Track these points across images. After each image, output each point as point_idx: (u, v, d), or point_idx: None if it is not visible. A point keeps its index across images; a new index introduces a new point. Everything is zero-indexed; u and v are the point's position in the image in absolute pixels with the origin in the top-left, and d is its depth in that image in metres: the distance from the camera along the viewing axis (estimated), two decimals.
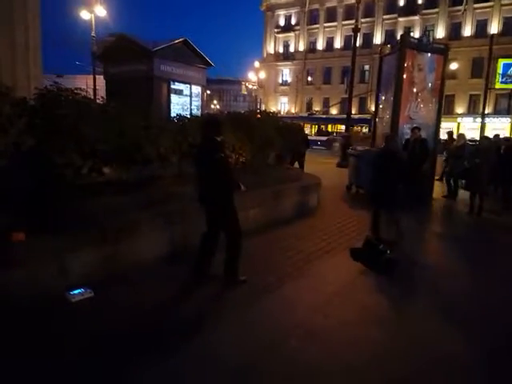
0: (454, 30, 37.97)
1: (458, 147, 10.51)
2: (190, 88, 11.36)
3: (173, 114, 9.03)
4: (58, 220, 3.66)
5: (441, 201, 10.01)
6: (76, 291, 3.57)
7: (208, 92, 52.57)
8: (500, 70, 17.39)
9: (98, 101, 5.48)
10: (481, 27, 36.62)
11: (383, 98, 10.32)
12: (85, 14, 19.56)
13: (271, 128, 7.50)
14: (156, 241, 4.55)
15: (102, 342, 2.98)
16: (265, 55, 50.24)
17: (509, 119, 32.66)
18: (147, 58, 10.01)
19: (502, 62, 17.83)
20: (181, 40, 10.79)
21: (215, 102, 67.04)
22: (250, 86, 47.74)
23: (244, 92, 54.43)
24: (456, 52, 27.06)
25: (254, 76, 45.97)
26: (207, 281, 4.10)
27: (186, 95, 11.39)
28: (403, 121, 9.40)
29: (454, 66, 28.74)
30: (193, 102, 11.74)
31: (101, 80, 12.12)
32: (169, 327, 3.24)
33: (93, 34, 19.70)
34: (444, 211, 9.34)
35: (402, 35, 9.54)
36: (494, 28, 35.32)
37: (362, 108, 39.74)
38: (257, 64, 46.03)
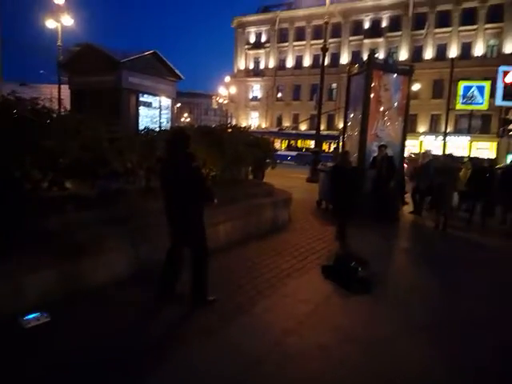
0: (416, 53, 39.84)
1: (424, 165, 10.86)
2: (160, 101, 11.14)
3: (141, 127, 8.80)
4: (15, 237, 3.39)
5: (407, 217, 10.24)
6: (31, 316, 3.29)
7: (179, 105, 52.25)
8: (460, 92, 18.29)
9: (62, 112, 5.23)
10: (441, 51, 38.67)
11: (351, 115, 10.53)
12: (51, 23, 19.01)
13: (242, 143, 7.44)
14: (120, 259, 4.31)
15: (56, 374, 2.73)
16: (236, 71, 50.70)
17: (468, 137, 34.50)
18: (115, 69, 9.73)
19: (462, 84, 18.82)
20: (150, 52, 10.60)
21: (186, 115, 66.70)
22: (221, 101, 47.84)
23: (215, 106, 54.48)
24: (418, 73, 28.35)
25: (225, 90, 46.18)
26: (174, 301, 3.89)
27: (156, 108, 11.16)
28: (371, 138, 9.61)
29: (416, 86, 30.06)
30: (162, 115, 11.51)
31: (67, 90, 11.70)
32: (132, 354, 3.02)
33: (59, 42, 19.14)
34: (410, 227, 9.53)
35: (368, 56, 9.82)
36: (453, 52, 37.42)
37: (330, 125, 40.71)
38: (228, 79, 46.35)
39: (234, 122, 45.61)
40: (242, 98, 49.63)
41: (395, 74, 9.80)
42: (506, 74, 17.12)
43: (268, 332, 3.51)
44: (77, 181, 4.54)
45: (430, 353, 3.41)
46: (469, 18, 37.19)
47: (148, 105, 10.99)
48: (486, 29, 36.76)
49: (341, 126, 39.48)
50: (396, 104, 9.88)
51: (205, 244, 3.92)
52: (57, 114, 4.99)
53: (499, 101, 17.31)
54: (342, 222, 6.85)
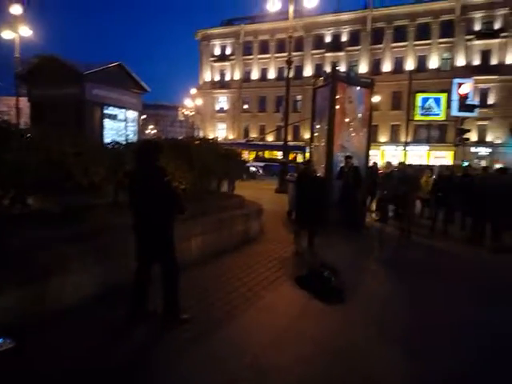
0: (376, 66, 41.54)
1: (387, 174, 11.24)
2: (126, 113, 10.93)
3: (106, 140, 8.58)
4: None
5: (374, 225, 10.50)
6: None
7: (144, 117, 51.47)
8: (419, 104, 19.19)
9: (22, 125, 5.00)
10: (398, 64, 40.57)
11: (318, 126, 10.76)
12: (8, 34, 18.28)
13: (212, 155, 7.40)
14: (87, 279, 4.12)
15: None
16: (201, 82, 50.72)
17: (427, 147, 36.15)
18: (78, 81, 9.47)
19: (420, 96, 19.77)
20: (115, 64, 10.41)
21: (151, 126, 65.76)
22: (187, 112, 47.59)
23: (181, 118, 54.11)
24: (378, 86, 29.49)
25: (191, 102, 46.01)
26: (146, 321, 3.75)
27: (121, 120, 10.93)
28: (337, 149, 9.84)
29: (376, 98, 31.24)
30: (128, 128, 11.29)
31: (27, 103, 11.22)
32: (103, 377, 2.87)
33: (17, 54, 18.42)
34: (377, 235, 9.73)
35: (332, 70, 10.11)
36: (410, 65, 39.32)
37: (296, 135, 41.39)
38: (193, 91, 46.24)
39: (200, 134, 45.56)
40: (209, 110, 49.66)
41: (358, 87, 10.14)
42: (460, 85, 18.16)
43: (245, 348, 3.44)
44: (40, 197, 4.33)
45: (404, 361, 3.47)
46: (423, 33, 39.39)
47: (113, 117, 10.76)
48: (440, 43, 39.00)
49: (306, 136, 40.49)
50: (360, 115, 10.21)
51: (175, 258, 3.82)
52: (16, 127, 4.78)
53: (455, 111, 18.32)
54: (311, 230, 6.98)
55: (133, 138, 10.87)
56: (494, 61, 36.98)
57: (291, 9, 14.37)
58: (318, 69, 43.36)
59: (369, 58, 42.00)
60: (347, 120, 9.99)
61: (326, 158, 9.72)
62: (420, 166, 19.90)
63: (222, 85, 49.72)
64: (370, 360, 3.41)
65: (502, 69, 36.21)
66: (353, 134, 10.13)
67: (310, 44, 44.22)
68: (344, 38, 43.21)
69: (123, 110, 11.04)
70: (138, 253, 3.77)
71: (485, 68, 36.65)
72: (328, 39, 43.88)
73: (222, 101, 50.44)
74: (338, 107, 9.64)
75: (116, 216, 4.78)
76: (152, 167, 3.66)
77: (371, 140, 10.99)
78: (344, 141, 9.97)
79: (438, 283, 5.83)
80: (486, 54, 37.35)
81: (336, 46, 43.30)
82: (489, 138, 36.99)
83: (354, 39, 42.61)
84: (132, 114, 11.45)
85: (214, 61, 50.21)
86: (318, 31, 43.97)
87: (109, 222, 4.70)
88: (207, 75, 50.51)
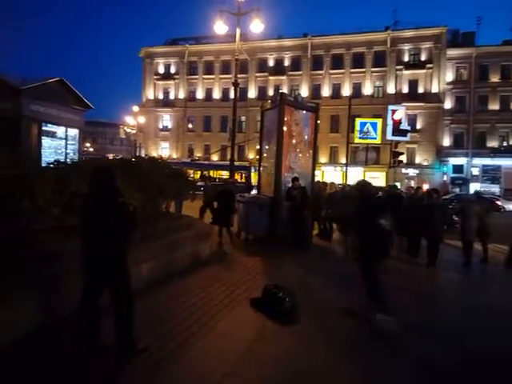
0: (316, 91, 43.66)
1: (331, 194, 11.69)
2: (66, 131, 10.39)
3: (45, 159, 8.08)
4: None
5: (320, 243, 10.80)
6: None
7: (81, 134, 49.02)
8: (358, 128, 20.44)
9: None
10: (336, 90, 43.02)
11: (266, 147, 10.99)
12: None
13: (162, 175, 7.23)
14: (29, 310, 3.78)
15: None
16: (144, 100, 49.77)
17: (363, 168, 38.27)
18: (14, 96, 8.88)
19: (358, 120, 21.04)
20: (56, 79, 9.93)
21: (88, 144, 62.80)
22: (129, 130, 46.22)
23: (122, 136, 52.40)
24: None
25: (133, 120, 44.84)
26: (97, 354, 3.51)
27: (61, 138, 10.37)
28: (285, 170, 10.09)
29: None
30: (68, 146, 10.73)
31: None
32: None
33: None
34: (324, 253, 9.99)
35: (281, 93, 10.46)
36: (347, 91, 41.83)
37: (241, 155, 41.82)
38: (136, 108, 45.17)
39: (143, 153, 44.39)
40: (152, 128, 48.73)
41: (304, 111, 10.57)
42: (394, 112, 19.60)
43: (205, 378, 3.34)
44: None
45: (365, 374, 3.57)
46: (358, 61, 42.30)
47: (52, 135, 10.17)
48: (373, 72, 42.05)
49: (251, 156, 41.13)
50: (306, 137, 10.60)
51: (129, 285, 3.65)
52: None
53: (389, 135, 19.68)
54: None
55: (73, 156, 10.34)
56: (420, 89, 40.57)
57: (238, 32, 14.72)
58: (262, 91, 44.71)
59: (309, 83, 44.04)
60: (294, 142, 10.32)
61: (275, 179, 9.91)
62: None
63: (166, 103, 49.18)
64: (330, 378, 3.46)
65: (427, 97, 39.83)
66: (300, 155, 10.47)
67: (254, 67, 45.42)
68: (286, 63, 45.02)
69: (63, 128, 10.50)
70: (88, 279, 3.54)
71: (413, 96, 40.06)
72: (271, 63, 45.43)
73: (166, 119, 49.81)
74: (285, 129, 9.94)
75: (61, 241, 4.47)
76: (108, 189, 3.50)
77: None
78: (291, 162, 10.26)
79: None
80: (413, 83, 40.90)
81: (279, 70, 44.92)
82: (417, 160, 40.21)
83: (296, 64, 44.57)
84: (73, 132, 10.92)
85: (158, 79, 49.67)
86: (261, 55, 45.38)
87: (54, 248, 4.37)
88: (150, 93, 49.73)
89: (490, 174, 39.53)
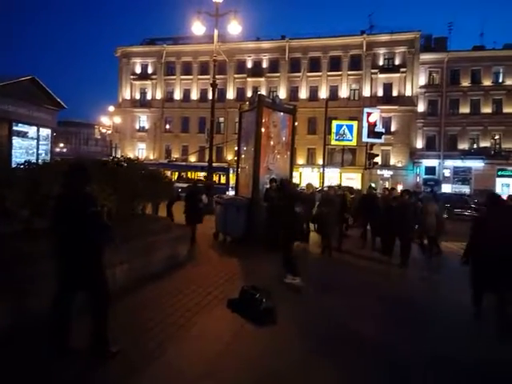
0: (293, 93, 44.00)
1: (309, 195, 11.80)
2: (38, 130, 10.10)
3: (15, 160, 7.83)
4: None
5: (296, 244, 10.83)
6: None
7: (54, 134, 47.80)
8: (334, 130, 20.77)
9: None
10: (313, 92, 43.49)
11: (244, 149, 11.01)
12: None
13: (138, 176, 7.14)
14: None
15: None
16: (120, 100, 48.93)
17: (339, 169, 38.87)
18: None
19: (334, 123, 21.38)
20: (28, 78, 9.63)
21: (61, 145, 61.23)
22: (104, 131, 45.31)
23: (97, 136, 51.32)
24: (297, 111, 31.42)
25: (109, 120, 44.01)
26: (70, 357, 3.43)
27: (33, 138, 10.07)
28: (263, 171, 10.14)
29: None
30: (40, 146, 10.43)
31: None
32: None
33: None
34: (301, 254, 10.06)
35: (259, 95, 10.52)
36: (324, 93, 42.35)
37: (219, 157, 41.68)
38: (112, 108, 44.37)
39: (119, 153, 43.59)
40: (128, 129, 47.94)
41: (282, 113, 10.65)
42: (369, 114, 20.06)
43: (180, 380, 3.32)
44: None
45: (342, 372, 3.63)
46: (335, 65, 42.89)
47: (23, 135, 9.86)
48: (349, 75, 42.73)
49: (229, 157, 41.03)
50: (284, 139, 10.69)
51: (106, 286, 3.60)
52: None
53: (365, 138, 20.13)
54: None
55: (45, 157, 10.06)
56: (395, 93, 41.49)
57: (216, 34, 14.71)
58: (240, 92, 44.76)
59: (287, 85, 44.36)
60: (272, 143, 10.38)
61: (253, 180, 9.95)
62: (340, 187, 21.46)
63: (143, 103, 48.51)
64: (306, 379, 3.50)
65: (401, 100, 40.79)
66: (278, 157, 10.54)
67: (232, 68, 45.39)
68: (264, 65, 45.19)
69: (35, 127, 10.20)
70: (62, 281, 3.47)
71: (387, 99, 40.94)
72: (249, 65, 45.50)
73: (143, 120, 49.10)
74: (263, 131, 9.99)
75: (31, 244, 4.35)
76: (80, 193, 3.43)
77: None
78: (269, 163, 10.32)
79: (359, 301, 6.21)
80: (388, 87, 41.79)
81: (257, 71, 45.05)
82: (392, 162, 41.14)
83: (274, 66, 44.79)
84: (45, 132, 10.63)
85: (135, 79, 48.92)
86: (240, 57, 45.40)
87: (24, 250, 4.25)
88: (127, 93, 48.93)
89: (461, 176, 40.84)
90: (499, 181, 39.05)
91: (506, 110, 39.36)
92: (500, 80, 39.80)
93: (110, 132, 45.52)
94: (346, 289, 6.73)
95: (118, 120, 44.24)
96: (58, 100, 10.73)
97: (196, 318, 4.72)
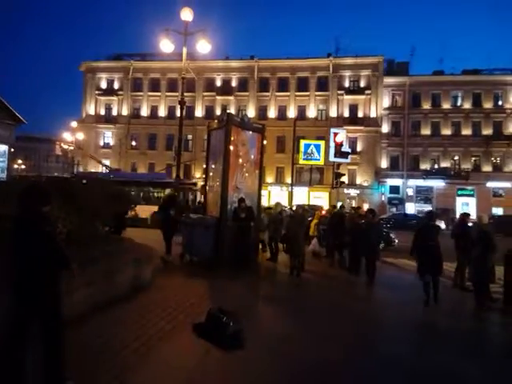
0: (262, 112, 44.59)
1: (277, 214, 11.79)
2: None
3: None
4: None
5: (265, 264, 10.76)
6: None
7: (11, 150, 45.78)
8: (302, 149, 21.13)
9: None
10: (282, 111, 44.29)
11: (213, 167, 10.89)
12: None
13: (101, 195, 6.84)
14: None
15: None
16: (84, 116, 47.74)
17: (307, 188, 39.42)
18: None
19: (303, 142, 21.77)
20: None
21: (20, 161, 58.51)
22: (66, 147, 43.75)
23: (59, 152, 49.51)
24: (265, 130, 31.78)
25: (71, 136, 42.67)
26: None
27: None
28: (231, 190, 10.02)
29: (263, 142, 33.31)
30: None
31: None
32: None
33: None
34: (270, 275, 9.95)
35: (227, 114, 10.49)
36: (292, 113, 43.19)
37: (188, 174, 41.28)
38: (75, 124, 43.12)
39: (81, 170, 42.18)
40: (92, 145, 46.66)
41: (251, 132, 10.66)
42: (336, 134, 20.57)
43: None
44: None
45: None
46: (303, 85, 44.03)
47: None
48: (317, 95, 43.92)
49: (197, 175, 40.65)
50: (253, 158, 10.66)
51: (61, 315, 3.32)
52: None
53: (332, 157, 20.57)
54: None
55: (1, 175, 9.52)
56: (360, 114, 42.95)
57: (184, 52, 14.66)
58: (209, 110, 44.88)
59: (256, 104, 44.93)
60: (241, 162, 10.32)
61: (221, 198, 9.80)
62: (309, 206, 21.75)
63: (108, 119, 47.54)
64: None
65: (366, 121, 42.23)
66: (246, 175, 10.48)
67: (201, 86, 45.49)
68: (234, 84, 45.66)
69: None
70: (18, 309, 3.16)
71: (353, 120, 42.29)
72: (219, 83, 45.81)
73: (108, 136, 48.02)
74: (232, 149, 9.93)
75: None
76: (35, 214, 3.19)
77: None
78: (238, 182, 10.23)
79: (327, 320, 6.15)
80: (353, 108, 43.23)
81: (226, 90, 45.39)
82: (358, 181, 42.22)
83: (243, 85, 45.35)
84: (1, 148, 10.08)
85: (100, 94, 48.00)
86: (209, 75, 45.64)
87: None
88: (91, 108, 47.84)
89: (423, 195, 42.45)
90: (459, 200, 40.92)
91: (465, 132, 41.63)
92: (458, 104, 42.18)
93: (72, 148, 43.92)
94: (314, 310, 6.65)
95: (81, 136, 42.92)
96: (17, 114, 10.25)
97: (159, 345, 4.47)
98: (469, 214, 9.81)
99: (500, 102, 41.48)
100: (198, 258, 9.85)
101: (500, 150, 40.76)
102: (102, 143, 47.96)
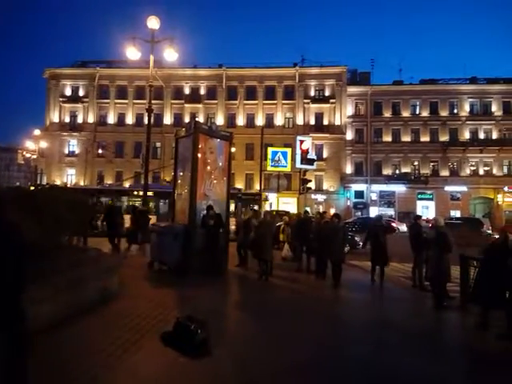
0: (231, 119, 44.87)
1: (246, 221, 11.89)
2: None
3: None
4: None
5: (234, 270, 10.82)
6: None
7: None
8: (270, 156, 21.46)
9: None
10: (250, 119, 44.73)
11: (181, 174, 10.88)
12: None
13: (64, 204, 6.71)
14: None
15: None
16: (48, 123, 46.19)
17: (275, 194, 39.92)
18: None
19: (270, 149, 22.15)
20: None
21: None
22: (28, 155, 42.19)
23: (21, 161, 47.62)
24: (233, 138, 31.98)
25: (34, 144, 41.19)
26: None
27: None
28: (200, 197, 10.06)
29: (232, 149, 33.37)
30: None
31: None
32: None
33: None
34: (238, 280, 10.02)
35: (195, 122, 10.55)
36: (260, 121, 43.66)
37: (156, 182, 40.70)
38: (38, 132, 41.68)
39: (45, 179, 40.80)
40: (56, 153, 45.19)
41: (218, 139, 10.75)
42: (301, 142, 21.03)
43: None
44: None
45: None
46: (270, 94, 44.74)
47: None
48: (284, 104, 44.72)
49: (165, 183, 40.12)
50: (221, 165, 10.75)
51: (28, 329, 3.26)
52: None
53: (298, 164, 21.00)
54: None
55: None
56: (325, 121, 44.08)
57: (151, 60, 14.62)
58: (178, 118, 44.65)
59: (225, 112, 45.13)
60: (209, 169, 10.39)
61: (189, 206, 9.82)
62: (277, 211, 22.01)
63: (73, 127, 46.24)
64: None
65: (331, 129, 43.41)
66: (214, 182, 10.54)
67: (169, 94, 45.21)
68: (202, 92, 45.68)
69: None
70: None
71: (319, 127, 43.35)
72: (187, 91, 45.68)
73: (73, 144, 46.67)
74: (200, 157, 9.98)
75: None
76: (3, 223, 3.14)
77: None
78: (206, 189, 10.28)
79: (295, 324, 6.28)
80: (319, 116, 44.34)
81: (194, 98, 45.36)
82: (324, 187, 43.17)
83: (211, 93, 45.47)
84: None
85: (64, 101, 46.65)
86: (177, 83, 45.44)
87: None
88: (55, 116, 46.38)
89: (386, 199, 44.03)
90: (419, 203, 42.71)
91: (423, 139, 43.63)
92: (417, 112, 44.20)
93: (35, 157, 42.39)
94: (282, 314, 6.77)
95: (44, 144, 41.53)
96: None
97: (126, 355, 4.43)
98: (421, 216, 11.05)
99: (455, 110, 43.88)
100: (167, 266, 9.79)
101: (456, 155, 42.96)
102: (66, 151, 46.51)
